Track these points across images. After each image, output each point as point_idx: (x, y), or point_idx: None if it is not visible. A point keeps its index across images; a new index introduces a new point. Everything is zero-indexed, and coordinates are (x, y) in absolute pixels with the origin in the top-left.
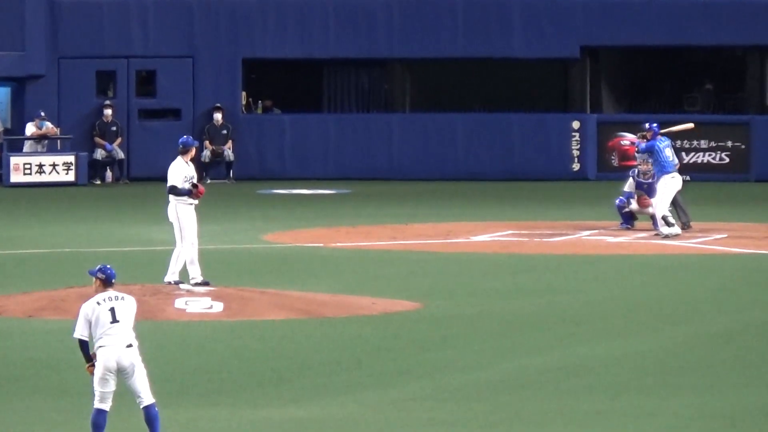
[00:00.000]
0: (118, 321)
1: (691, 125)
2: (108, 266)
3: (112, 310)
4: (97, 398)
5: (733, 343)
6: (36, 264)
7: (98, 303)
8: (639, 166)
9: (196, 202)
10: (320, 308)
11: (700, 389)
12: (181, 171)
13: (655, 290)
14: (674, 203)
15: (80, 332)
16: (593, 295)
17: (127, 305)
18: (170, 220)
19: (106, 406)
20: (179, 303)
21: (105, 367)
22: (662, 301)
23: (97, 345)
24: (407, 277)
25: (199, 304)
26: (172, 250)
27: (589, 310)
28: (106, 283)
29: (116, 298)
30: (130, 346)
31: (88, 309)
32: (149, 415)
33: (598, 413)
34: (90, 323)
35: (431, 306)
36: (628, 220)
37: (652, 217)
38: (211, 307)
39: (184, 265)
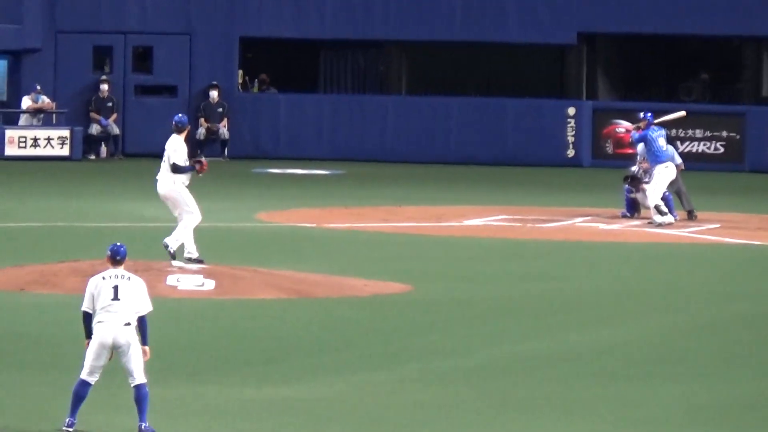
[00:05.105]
0: (119, 299)
1: (683, 113)
2: (120, 244)
3: (116, 287)
4: (85, 370)
5: (722, 334)
6: (29, 238)
7: (103, 278)
8: (641, 164)
9: (187, 181)
10: (312, 288)
11: (687, 379)
12: (183, 148)
13: (646, 279)
14: (678, 192)
15: (85, 305)
16: (584, 282)
17: (132, 285)
18: (163, 196)
19: (93, 379)
20: (171, 280)
21: (100, 344)
22: (653, 290)
23: (95, 320)
24: (399, 259)
25: (190, 281)
26: (174, 227)
27: (579, 298)
28: (113, 260)
29: (122, 277)
30: (128, 324)
31: (92, 283)
32: (139, 394)
33: (585, 401)
34: (93, 297)
35: (421, 289)
36: (630, 208)
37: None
38: (202, 284)
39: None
